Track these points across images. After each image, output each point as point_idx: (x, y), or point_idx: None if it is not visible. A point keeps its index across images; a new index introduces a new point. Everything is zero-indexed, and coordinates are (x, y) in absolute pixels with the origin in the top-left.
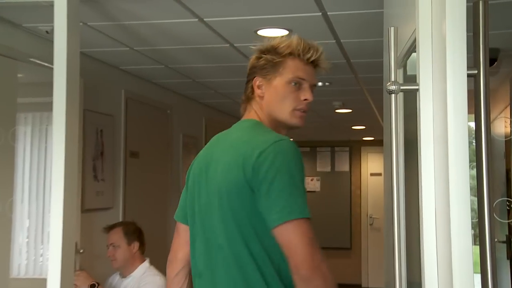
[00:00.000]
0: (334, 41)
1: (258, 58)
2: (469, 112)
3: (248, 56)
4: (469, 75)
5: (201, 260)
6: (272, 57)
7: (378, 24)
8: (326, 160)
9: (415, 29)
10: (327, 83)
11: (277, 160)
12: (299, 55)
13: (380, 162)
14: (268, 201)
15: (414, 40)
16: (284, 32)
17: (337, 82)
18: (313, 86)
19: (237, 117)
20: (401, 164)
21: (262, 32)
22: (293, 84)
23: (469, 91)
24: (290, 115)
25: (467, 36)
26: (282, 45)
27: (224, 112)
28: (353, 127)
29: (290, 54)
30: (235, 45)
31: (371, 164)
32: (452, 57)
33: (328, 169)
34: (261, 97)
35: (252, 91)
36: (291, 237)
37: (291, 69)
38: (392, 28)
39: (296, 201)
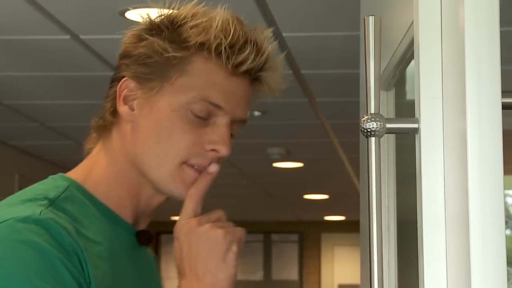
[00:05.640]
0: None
1: (138, 40)
2: (506, 172)
3: (108, 62)
4: (506, 106)
5: None
6: (166, 45)
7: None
8: (255, 259)
9: (412, 21)
10: (256, 113)
11: None
12: (219, 54)
13: (356, 262)
14: None
15: (411, 42)
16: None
17: (276, 110)
18: (240, 123)
19: None
20: (391, 267)
21: (132, 15)
22: (194, 113)
23: (505, 133)
24: (171, 173)
25: (502, 33)
26: (190, 25)
27: (58, 165)
28: (307, 196)
29: (203, 47)
30: (81, 37)
31: (340, 266)
32: (477, 73)
33: (259, 275)
34: (127, 122)
35: (113, 106)
36: None
37: (199, 80)
38: (371, 18)
39: None
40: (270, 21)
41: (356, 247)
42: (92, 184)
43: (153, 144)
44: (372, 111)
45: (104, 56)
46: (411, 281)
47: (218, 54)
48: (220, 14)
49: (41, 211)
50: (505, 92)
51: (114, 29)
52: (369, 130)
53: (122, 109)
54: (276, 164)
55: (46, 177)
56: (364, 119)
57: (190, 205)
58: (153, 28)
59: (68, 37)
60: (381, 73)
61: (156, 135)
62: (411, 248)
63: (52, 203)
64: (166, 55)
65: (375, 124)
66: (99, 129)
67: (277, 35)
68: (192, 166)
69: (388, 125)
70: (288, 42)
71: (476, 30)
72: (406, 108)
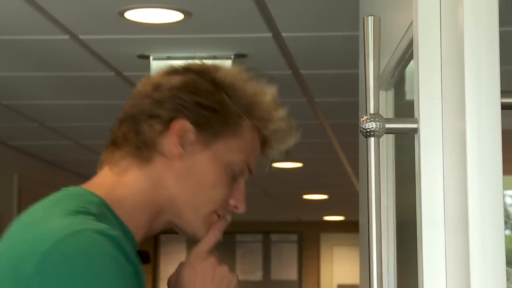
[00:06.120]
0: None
1: (209, 88)
2: (505, 172)
3: (107, 62)
4: (505, 106)
5: None
6: (236, 108)
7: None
8: (254, 259)
9: (412, 21)
10: None
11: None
12: (263, 128)
13: (355, 262)
14: None
15: (411, 42)
16: (178, 15)
17: None
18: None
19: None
20: (390, 267)
21: (131, 15)
22: (234, 172)
23: (504, 132)
24: (203, 218)
25: (501, 33)
26: (260, 107)
27: (57, 165)
28: (306, 196)
29: (254, 118)
30: (80, 37)
31: (340, 266)
32: (476, 73)
33: (258, 275)
34: (175, 160)
35: (159, 137)
36: None
37: (247, 145)
38: (371, 18)
39: None
40: (269, 21)
41: (356, 247)
42: (115, 202)
43: (196, 189)
44: (372, 111)
45: (103, 56)
46: (411, 281)
47: (263, 126)
48: (265, 88)
49: (105, 227)
50: (504, 92)
51: (113, 29)
52: (368, 130)
53: (176, 148)
54: (275, 164)
55: (46, 177)
56: (363, 119)
57: (211, 241)
58: (223, 86)
59: (67, 37)
60: (380, 73)
61: (201, 182)
62: (411, 248)
63: (97, 219)
64: (232, 114)
65: (374, 124)
66: (135, 152)
67: (276, 35)
68: (216, 213)
69: (388, 125)
70: (287, 42)
71: (475, 30)
72: (406, 108)
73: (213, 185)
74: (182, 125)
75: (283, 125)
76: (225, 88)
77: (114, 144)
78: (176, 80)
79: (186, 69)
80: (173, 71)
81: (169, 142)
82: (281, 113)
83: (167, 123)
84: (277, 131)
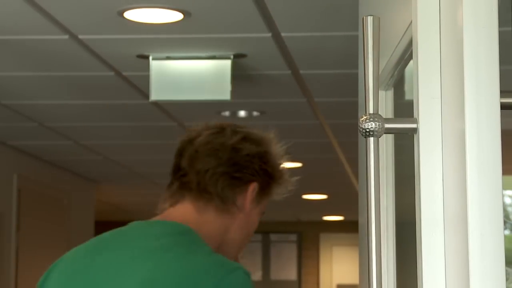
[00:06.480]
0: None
1: (277, 164)
2: (505, 172)
3: (107, 62)
4: (504, 106)
5: None
6: (274, 168)
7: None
8: (253, 259)
9: (411, 21)
10: (255, 113)
11: None
12: (279, 185)
13: (355, 262)
14: None
15: (410, 41)
16: (178, 15)
17: (275, 110)
18: None
19: (98, 184)
20: (390, 267)
21: (131, 15)
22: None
23: (503, 132)
24: (240, 249)
25: (501, 33)
26: (280, 159)
27: (57, 165)
28: (305, 196)
29: (279, 177)
30: (80, 37)
31: (339, 266)
32: (475, 73)
33: (258, 275)
34: (242, 213)
35: (227, 193)
36: None
37: (270, 198)
38: (370, 18)
39: None
40: (269, 21)
41: (355, 247)
42: (203, 237)
43: (245, 236)
44: (371, 111)
45: (103, 56)
46: (410, 281)
47: (279, 184)
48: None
49: (243, 266)
50: (503, 92)
51: (112, 29)
52: (367, 130)
53: (247, 205)
54: None
55: (45, 177)
56: (362, 119)
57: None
58: (276, 157)
59: (66, 37)
60: (379, 73)
61: (250, 230)
62: (410, 248)
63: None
64: (275, 176)
65: (373, 124)
66: (217, 202)
67: (276, 35)
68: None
69: (387, 125)
70: (287, 42)
71: (474, 30)
72: (405, 108)
73: (253, 228)
74: (254, 187)
75: (290, 178)
76: (277, 159)
77: (197, 189)
78: (252, 149)
79: (259, 141)
80: (247, 137)
81: (243, 200)
82: (285, 166)
83: (244, 185)
84: (287, 185)
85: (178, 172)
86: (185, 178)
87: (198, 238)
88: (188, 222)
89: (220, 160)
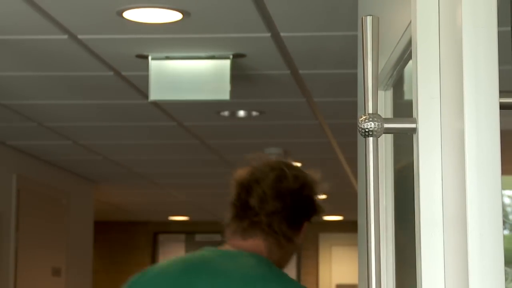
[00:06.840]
0: (269, 34)
1: (317, 197)
2: (504, 172)
3: (106, 62)
4: (503, 106)
5: None
6: (320, 206)
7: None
8: None
9: (410, 21)
10: (254, 113)
11: None
12: (318, 216)
13: (354, 262)
14: None
15: (409, 41)
16: (177, 15)
17: (274, 110)
18: None
19: (99, 184)
20: (389, 267)
21: (130, 15)
22: None
23: (502, 132)
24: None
25: (500, 33)
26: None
27: (56, 165)
28: None
29: (321, 212)
30: (79, 37)
31: (338, 266)
32: (474, 73)
33: None
34: (297, 244)
35: (289, 233)
36: None
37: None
38: (369, 18)
39: None
40: (268, 21)
41: (354, 247)
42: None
43: (292, 257)
44: (370, 111)
45: (102, 56)
46: (409, 281)
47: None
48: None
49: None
50: (503, 92)
51: (112, 29)
52: (367, 130)
53: (300, 241)
54: None
55: (44, 177)
56: (362, 119)
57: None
58: (315, 188)
59: (66, 37)
60: (379, 73)
61: (291, 257)
62: (409, 248)
63: None
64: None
65: (373, 124)
66: (280, 238)
67: (275, 35)
68: None
69: (386, 125)
70: (286, 42)
71: (474, 30)
72: (404, 108)
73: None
74: (307, 225)
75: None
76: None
77: (268, 229)
78: (309, 194)
79: (313, 186)
80: (305, 183)
81: (298, 237)
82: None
83: (301, 223)
84: (323, 214)
85: (248, 210)
86: (256, 218)
87: (279, 268)
88: (262, 255)
89: (286, 204)
